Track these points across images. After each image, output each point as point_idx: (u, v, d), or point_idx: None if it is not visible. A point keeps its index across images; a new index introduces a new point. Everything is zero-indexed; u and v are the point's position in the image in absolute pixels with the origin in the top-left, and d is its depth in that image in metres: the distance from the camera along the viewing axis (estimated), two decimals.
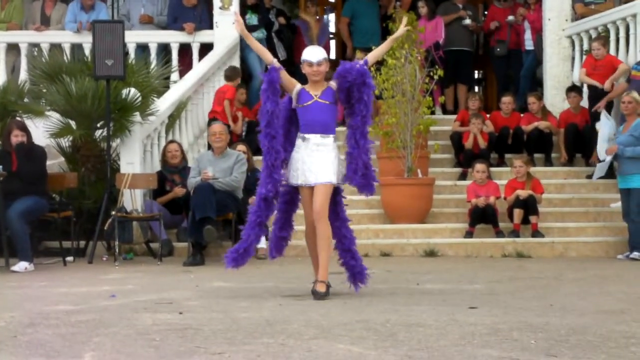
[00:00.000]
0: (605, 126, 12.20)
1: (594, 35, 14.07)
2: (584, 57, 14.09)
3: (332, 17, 18.37)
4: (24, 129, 10.57)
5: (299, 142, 7.58)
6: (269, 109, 7.53)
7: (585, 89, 13.77)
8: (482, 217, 11.91)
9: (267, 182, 7.55)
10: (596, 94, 13.09)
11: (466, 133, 13.44)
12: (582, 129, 13.30)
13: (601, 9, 14.34)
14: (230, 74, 13.78)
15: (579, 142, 13.47)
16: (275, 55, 14.95)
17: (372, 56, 7.86)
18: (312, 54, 7.61)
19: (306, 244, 7.82)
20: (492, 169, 12.80)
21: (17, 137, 10.40)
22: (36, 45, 14.71)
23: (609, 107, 13.07)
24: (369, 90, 7.58)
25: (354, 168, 7.60)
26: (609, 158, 11.74)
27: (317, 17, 15.59)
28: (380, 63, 12.59)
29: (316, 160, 7.50)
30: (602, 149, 12.31)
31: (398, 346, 5.35)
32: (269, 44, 15.09)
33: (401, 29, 8.07)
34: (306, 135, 7.54)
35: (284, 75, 7.61)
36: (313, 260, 7.72)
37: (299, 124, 7.64)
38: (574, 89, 13.81)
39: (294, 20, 15.41)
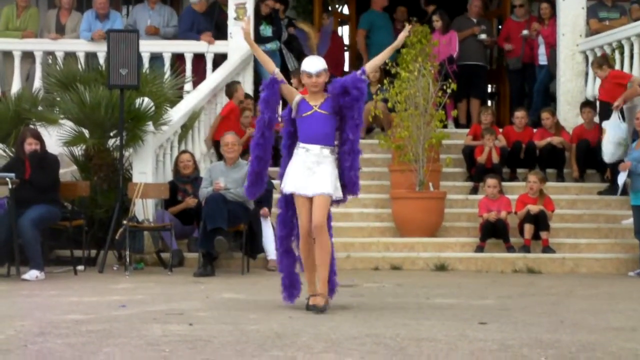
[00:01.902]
0: (614, 128, 12.19)
1: (608, 51, 14.05)
2: None
3: (346, 30, 18.37)
4: (38, 137, 10.61)
5: (298, 151, 7.52)
6: (265, 119, 7.56)
7: (597, 105, 13.73)
8: (493, 232, 11.89)
9: (253, 190, 7.75)
10: (607, 111, 13.01)
11: (479, 147, 13.42)
12: (595, 145, 13.25)
13: (615, 25, 14.31)
14: (228, 91, 13.79)
15: (591, 158, 13.42)
16: (285, 65, 15.06)
17: (370, 65, 7.82)
18: (311, 64, 7.56)
19: (300, 255, 7.70)
20: (504, 184, 12.76)
21: (30, 145, 10.43)
22: (51, 53, 14.77)
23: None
24: (356, 99, 7.49)
25: (348, 181, 7.59)
26: (623, 174, 11.68)
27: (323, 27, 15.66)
28: (393, 76, 12.63)
29: (316, 171, 7.45)
30: (608, 151, 12.35)
31: None
32: (280, 54, 15.15)
33: (400, 38, 7.90)
34: (306, 146, 7.49)
35: (285, 86, 7.63)
36: (307, 271, 7.65)
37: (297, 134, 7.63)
38: (587, 104, 13.79)
39: (294, 31, 15.33)
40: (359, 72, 7.61)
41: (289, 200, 7.66)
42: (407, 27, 8.14)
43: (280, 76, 7.62)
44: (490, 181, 12.21)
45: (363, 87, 7.54)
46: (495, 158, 13.26)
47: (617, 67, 13.66)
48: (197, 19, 15.08)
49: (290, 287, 7.73)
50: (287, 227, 7.73)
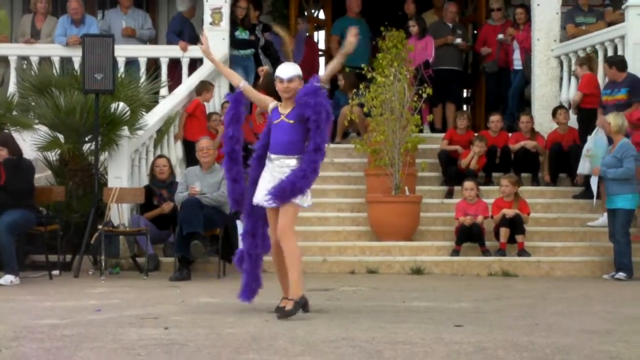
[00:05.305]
0: (594, 142, 12.30)
1: (582, 55, 14.11)
2: (572, 77, 14.18)
3: (322, 35, 18.39)
4: (5, 143, 10.48)
5: (267, 162, 7.46)
6: (231, 135, 7.54)
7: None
8: (468, 236, 11.93)
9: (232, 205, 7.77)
10: (584, 116, 13.05)
11: (465, 152, 13.44)
12: (568, 149, 13.31)
13: (592, 29, 14.35)
14: (198, 88, 13.77)
15: (565, 162, 13.46)
16: None
17: (325, 74, 7.77)
18: (284, 70, 7.47)
19: (272, 263, 7.67)
20: (480, 187, 12.81)
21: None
22: (25, 58, 14.70)
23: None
24: (315, 109, 7.27)
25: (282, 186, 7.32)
26: (595, 179, 11.75)
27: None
28: (369, 81, 12.65)
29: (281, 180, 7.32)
30: (583, 163, 12.46)
31: None
32: (256, 60, 15.15)
33: (347, 44, 7.63)
34: (272, 156, 7.41)
35: (254, 95, 7.59)
36: (280, 278, 7.62)
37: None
38: (559, 108, 13.87)
39: (268, 34, 15.25)
40: (314, 81, 7.38)
41: (254, 210, 7.58)
42: (352, 30, 7.73)
43: (246, 90, 7.55)
44: (468, 184, 12.24)
45: (322, 101, 7.30)
46: (474, 165, 13.31)
47: None
48: (186, 26, 15.13)
49: (250, 285, 7.68)
50: (254, 236, 7.65)
